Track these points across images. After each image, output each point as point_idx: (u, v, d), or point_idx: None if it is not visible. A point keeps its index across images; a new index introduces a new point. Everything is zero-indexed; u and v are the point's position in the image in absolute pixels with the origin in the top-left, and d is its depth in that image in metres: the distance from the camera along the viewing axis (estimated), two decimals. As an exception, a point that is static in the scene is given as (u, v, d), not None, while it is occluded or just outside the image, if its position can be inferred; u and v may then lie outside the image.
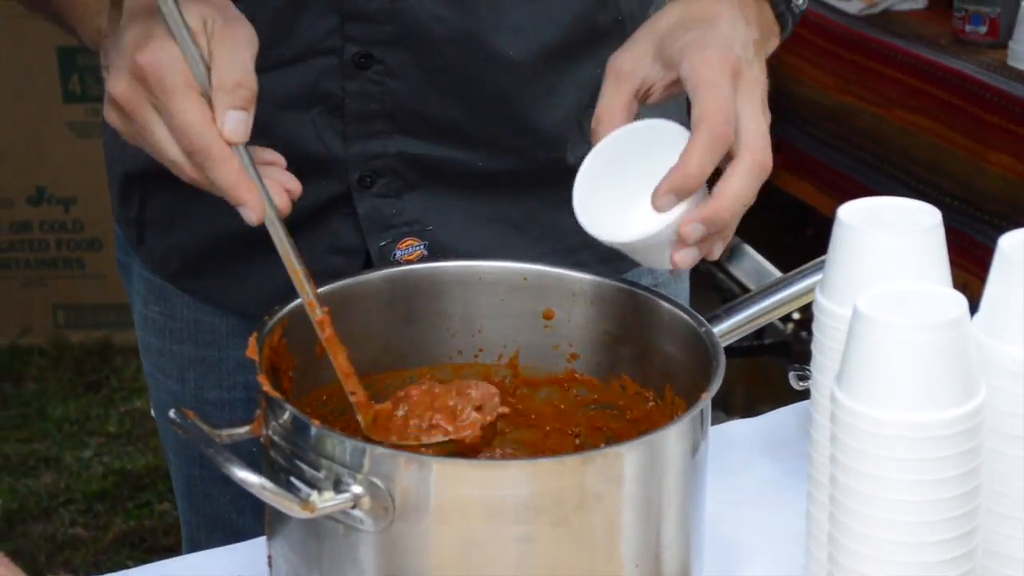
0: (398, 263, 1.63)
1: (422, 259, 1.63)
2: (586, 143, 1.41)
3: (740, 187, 1.33)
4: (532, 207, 1.66)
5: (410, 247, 1.65)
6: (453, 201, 1.63)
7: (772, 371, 3.36)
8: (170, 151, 1.29)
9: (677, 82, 1.38)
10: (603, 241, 1.36)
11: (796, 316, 3.37)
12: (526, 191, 1.66)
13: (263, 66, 1.31)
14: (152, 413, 1.85)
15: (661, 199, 1.32)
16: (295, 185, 1.33)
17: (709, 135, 1.31)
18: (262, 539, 1.48)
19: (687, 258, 1.34)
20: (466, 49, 1.57)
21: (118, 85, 1.29)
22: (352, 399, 1.37)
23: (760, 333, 3.37)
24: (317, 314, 1.34)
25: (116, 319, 4.07)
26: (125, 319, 4.07)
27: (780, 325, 3.41)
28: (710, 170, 1.33)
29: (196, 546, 1.77)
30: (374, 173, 1.60)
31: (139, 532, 3.27)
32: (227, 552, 1.53)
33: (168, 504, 3.40)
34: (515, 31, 1.58)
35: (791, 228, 3.54)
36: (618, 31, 1.61)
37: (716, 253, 1.38)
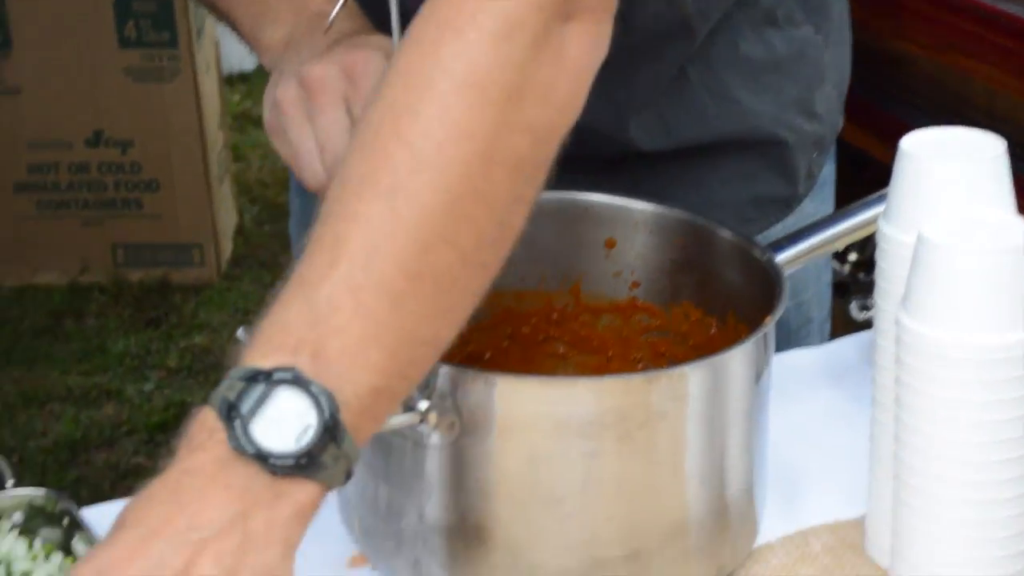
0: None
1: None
2: None
3: None
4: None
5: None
6: None
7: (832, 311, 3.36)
8: (308, 156, 1.34)
9: None
10: None
11: (853, 257, 3.37)
12: None
13: None
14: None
15: None
16: None
17: None
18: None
19: None
20: None
21: (288, 91, 1.36)
22: None
23: (818, 274, 3.36)
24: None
25: (174, 258, 4.11)
26: (183, 258, 4.13)
27: (837, 266, 3.41)
28: None
29: None
30: None
31: (198, 466, 3.30)
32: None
33: (227, 438, 3.44)
34: None
35: (847, 176, 3.53)
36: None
37: None
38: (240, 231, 4.29)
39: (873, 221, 1.48)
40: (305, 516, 1.09)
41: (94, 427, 3.51)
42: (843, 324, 1.75)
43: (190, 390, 3.64)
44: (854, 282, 3.39)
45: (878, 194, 1.49)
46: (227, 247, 4.20)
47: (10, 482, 1.38)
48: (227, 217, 4.22)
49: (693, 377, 1.27)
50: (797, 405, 1.60)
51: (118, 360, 3.76)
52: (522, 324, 1.51)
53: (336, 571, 1.40)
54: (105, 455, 3.38)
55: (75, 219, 4.14)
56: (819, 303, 1.82)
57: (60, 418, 3.54)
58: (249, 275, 4.11)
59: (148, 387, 3.67)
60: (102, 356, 3.77)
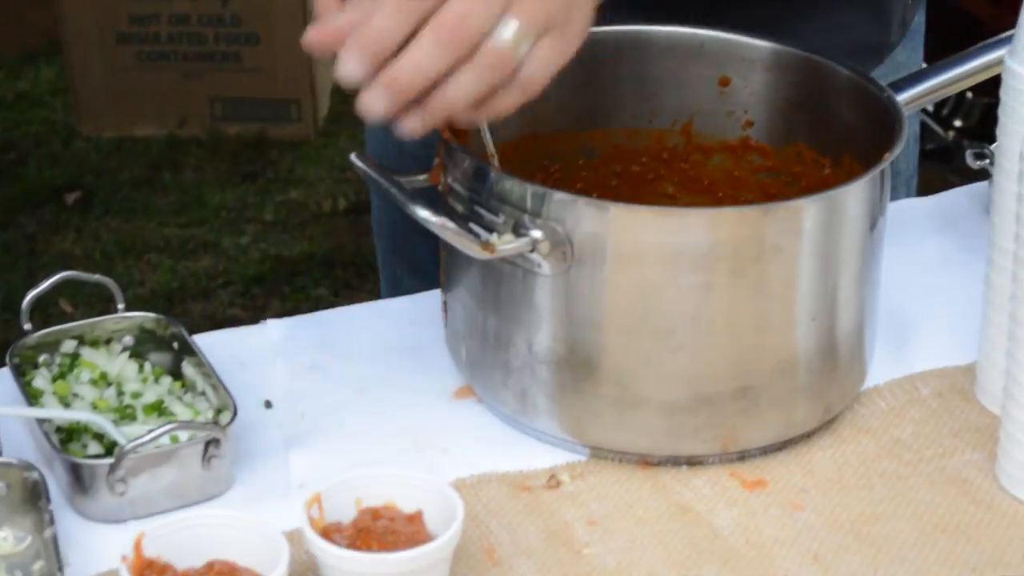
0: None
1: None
2: None
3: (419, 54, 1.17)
4: None
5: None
6: None
7: (932, 177, 3.32)
8: None
9: None
10: None
11: (958, 124, 3.32)
12: None
13: None
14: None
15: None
16: None
17: None
18: (431, 292, 1.51)
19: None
20: None
21: None
22: None
23: (921, 137, 3.32)
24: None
25: (271, 114, 4.11)
26: (280, 114, 4.13)
27: (941, 132, 3.37)
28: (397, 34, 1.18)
29: (395, 288, 1.79)
30: None
31: (295, 315, 3.32)
32: (405, 301, 1.55)
33: (324, 290, 3.47)
34: None
35: (936, 26, 3.46)
36: None
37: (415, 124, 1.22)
38: (338, 88, 4.28)
39: (992, 65, 1.45)
40: None
41: (191, 278, 3.54)
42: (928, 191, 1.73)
43: (286, 244, 3.66)
44: (958, 147, 3.35)
45: (1000, 37, 1.46)
46: (324, 104, 4.20)
47: (120, 306, 1.39)
48: (325, 74, 4.21)
49: (809, 211, 1.25)
50: (909, 252, 1.58)
51: (215, 213, 3.78)
52: (632, 162, 1.49)
53: (441, 404, 1.41)
54: (201, 306, 3.42)
55: (174, 72, 4.15)
56: (906, 157, 1.79)
57: (157, 269, 3.57)
58: (346, 133, 4.10)
59: (244, 240, 3.69)
60: (199, 209, 3.80)
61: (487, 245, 1.23)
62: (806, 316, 1.28)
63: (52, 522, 1.17)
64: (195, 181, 3.92)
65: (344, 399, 1.41)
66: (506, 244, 1.23)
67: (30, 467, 1.21)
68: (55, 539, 1.15)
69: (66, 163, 3.97)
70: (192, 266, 3.58)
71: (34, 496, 1.21)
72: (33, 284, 1.36)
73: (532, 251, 1.24)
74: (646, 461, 1.33)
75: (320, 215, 3.77)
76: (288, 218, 3.77)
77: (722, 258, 1.23)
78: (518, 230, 1.24)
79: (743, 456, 1.33)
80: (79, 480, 1.24)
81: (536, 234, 1.23)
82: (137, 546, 1.13)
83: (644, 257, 1.23)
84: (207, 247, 3.66)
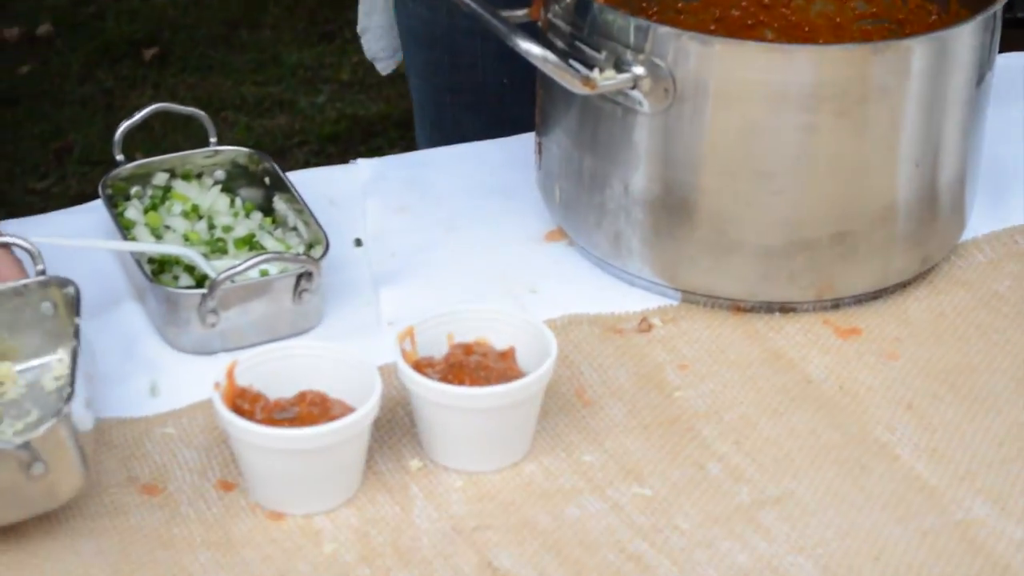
0: None
1: None
2: None
3: None
4: None
5: None
6: None
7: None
8: None
9: None
10: None
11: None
12: None
13: None
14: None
15: None
16: None
17: None
18: (528, 135, 1.49)
19: None
20: None
21: None
22: None
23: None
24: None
25: (348, -27, 4.08)
26: (358, -27, 4.08)
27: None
28: None
29: None
30: None
31: (374, 170, 3.32)
32: (494, 145, 1.53)
33: (398, 150, 3.45)
34: None
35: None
36: None
37: None
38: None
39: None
40: None
41: (267, 136, 3.53)
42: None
43: (362, 104, 3.64)
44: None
45: None
46: (401, -36, 4.15)
47: (213, 140, 1.38)
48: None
49: (919, 52, 1.22)
50: (1011, 106, 1.54)
51: (291, 71, 3.76)
52: (731, 7, 1.46)
53: (532, 246, 1.40)
54: (278, 163, 3.40)
55: (253, -70, 4.11)
56: None
57: (234, 126, 3.56)
58: (422, -6, 4.06)
59: (320, 99, 3.67)
60: (276, 67, 3.78)
61: (588, 81, 1.20)
62: (909, 161, 1.25)
63: (77, 336, 1.14)
64: (272, 39, 3.90)
65: (434, 239, 1.40)
66: (607, 80, 1.21)
67: (67, 282, 1.18)
68: (75, 354, 1.12)
69: (144, 18, 3.95)
70: (268, 124, 3.57)
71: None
72: (110, 140, 1.35)
73: (633, 88, 1.21)
74: (738, 307, 1.31)
75: (396, 76, 3.74)
76: (365, 78, 3.74)
77: (827, 99, 1.20)
78: (620, 66, 1.21)
79: (837, 304, 1.32)
80: (171, 311, 1.23)
81: (638, 70, 1.21)
82: (230, 374, 1.13)
83: (747, 96, 1.21)
84: (283, 105, 3.65)
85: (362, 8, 1.87)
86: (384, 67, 1.86)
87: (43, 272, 1.18)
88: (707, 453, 1.18)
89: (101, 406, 1.19)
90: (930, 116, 1.25)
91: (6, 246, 1.20)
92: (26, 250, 1.19)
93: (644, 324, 1.30)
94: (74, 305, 1.16)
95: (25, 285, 1.17)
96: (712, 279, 1.30)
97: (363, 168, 1.49)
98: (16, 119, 3.53)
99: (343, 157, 3.46)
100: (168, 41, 3.86)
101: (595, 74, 1.21)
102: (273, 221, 1.35)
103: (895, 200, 1.27)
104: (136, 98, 3.64)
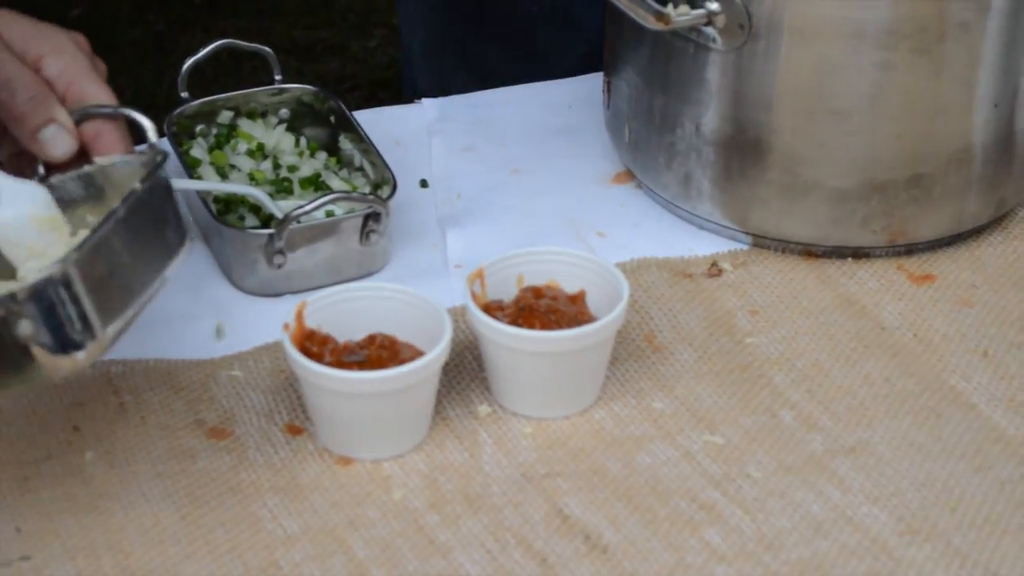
0: None
1: None
2: None
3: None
4: None
5: None
6: None
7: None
8: None
9: None
10: None
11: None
12: None
13: None
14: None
15: None
16: None
17: None
18: (591, 75, 1.46)
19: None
20: None
21: None
22: None
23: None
24: None
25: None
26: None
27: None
28: None
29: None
30: None
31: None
32: (559, 84, 1.51)
33: (451, 95, 3.44)
34: None
35: None
36: None
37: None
38: None
39: None
40: None
41: (317, 80, 3.48)
42: None
43: (414, 48, 3.62)
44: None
45: None
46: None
47: (277, 77, 1.36)
48: None
49: (1000, -12, 1.19)
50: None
51: (342, 16, 3.74)
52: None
53: (599, 188, 1.37)
54: (330, 87, 3.40)
55: None
56: None
57: (285, 70, 3.55)
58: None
59: (372, 43, 3.65)
60: (327, 11, 3.75)
61: (661, 16, 1.18)
62: (988, 102, 1.23)
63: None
64: (323, -17, 3.88)
65: (500, 181, 1.38)
66: (681, 16, 1.18)
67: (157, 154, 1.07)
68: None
69: (195, -39, 3.95)
70: (319, 68, 3.55)
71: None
72: (161, 83, 1.33)
73: (707, 24, 1.19)
74: (810, 252, 1.29)
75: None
76: (416, 23, 3.73)
77: (904, 36, 1.17)
78: (694, 1, 1.19)
79: (910, 250, 1.29)
80: (238, 251, 1.22)
81: (712, 5, 1.18)
82: (299, 316, 1.11)
83: (823, 33, 1.18)
84: (334, 50, 3.63)
85: None
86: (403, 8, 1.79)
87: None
88: (779, 401, 1.16)
89: (167, 347, 1.18)
90: (1010, 55, 1.22)
91: (115, 119, 1.09)
92: (139, 124, 1.08)
93: (714, 268, 1.28)
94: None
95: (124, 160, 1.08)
96: (784, 222, 1.27)
97: (428, 108, 1.47)
98: (67, 62, 3.52)
99: (394, 103, 3.45)
100: (218, -17, 3.85)
101: (669, 9, 1.19)
102: (338, 161, 1.33)
103: (972, 142, 1.24)
104: (187, 41, 3.63)
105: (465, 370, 1.18)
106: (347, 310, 1.13)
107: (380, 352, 1.10)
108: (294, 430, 1.12)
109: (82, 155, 1.08)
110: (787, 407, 1.16)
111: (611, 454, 1.11)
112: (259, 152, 1.31)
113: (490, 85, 1.50)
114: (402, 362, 1.08)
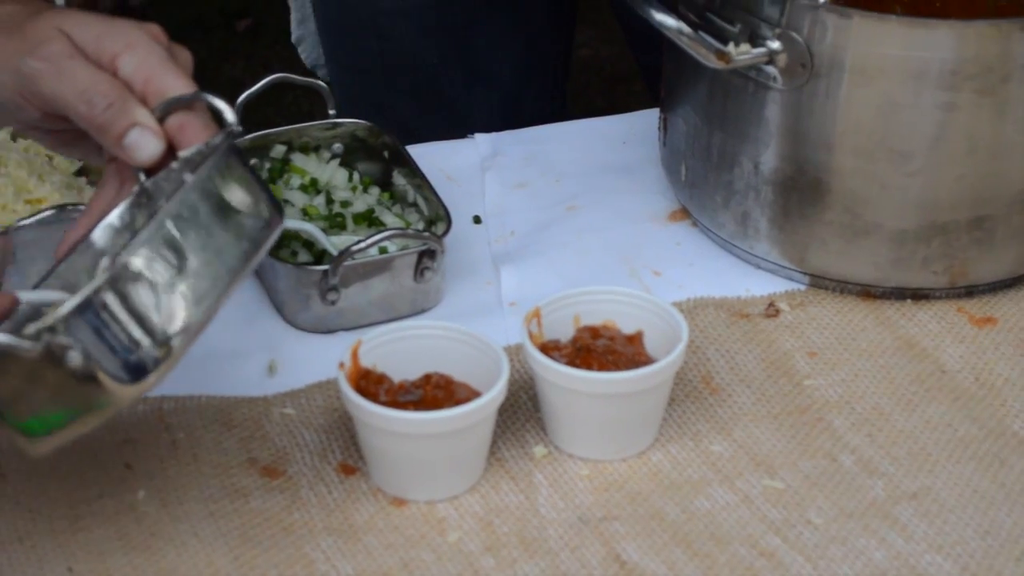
0: None
1: None
2: None
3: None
4: None
5: None
6: None
7: None
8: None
9: None
10: None
11: None
12: None
13: None
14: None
15: None
16: None
17: None
18: (646, 111, 1.45)
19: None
20: None
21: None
22: None
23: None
24: None
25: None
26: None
27: None
28: None
29: None
30: None
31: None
32: (613, 121, 1.50)
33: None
34: None
35: None
36: None
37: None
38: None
39: None
40: None
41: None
42: None
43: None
44: None
45: None
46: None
47: (331, 111, 1.35)
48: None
49: (1067, 29, 1.17)
50: None
51: (384, 45, 3.75)
52: (859, -20, 1.41)
53: (655, 226, 1.36)
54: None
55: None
56: None
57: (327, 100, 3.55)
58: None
59: (414, 73, 3.65)
60: (368, 40, 3.76)
61: (723, 55, 1.16)
62: (1055, 141, 1.21)
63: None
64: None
65: (554, 217, 1.37)
66: (742, 54, 1.17)
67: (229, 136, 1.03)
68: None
69: (237, -11, 3.95)
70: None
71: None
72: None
73: (768, 63, 1.17)
74: (869, 293, 1.27)
75: None
76: None
77: (969, 76, 1.16)
78: (755, 40, 1.17)
79: (971, 291, 1.27)
80: (291, 287, 1.21)
81: (774, 44, 1.17)
82: (354, 354, 1.10)
83: (886, 72, 1.16)
84: (376, 78, 3.63)
85: (294, 17, 1.80)
86: (325, 74, 1.79)
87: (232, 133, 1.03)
88: (839, 445, 1.14)
89: (219, 384, 1.17)
90: (1078, 96, 1.20)
91: (196, 108, 1.04)
92: (218, 110, 1.04)
93: (771, 309, 1.26)
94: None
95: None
96: (842, 263, 1.25)
97: (481, 143, 1.46)
98: (110, 89, 3.52)
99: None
100: (261, 13, 3.85)
101: (730, 48, 1.17)
102: (391, 196, 1.32)
103: (1037, 184, 1.23)
104: (228, 70, 3.63)
105: (520, 410, 1.16)
106: (402, 349, 1.12)
107: (435, 392, 1.09)
108: (347, 469, 1.11)
109: (172, 150, 1.03)
110: (847, 451, 1.14)
111: (669, 498, 1.09)
112: (312, 187, 1.30)
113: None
114: (457, 402, 1.07)
